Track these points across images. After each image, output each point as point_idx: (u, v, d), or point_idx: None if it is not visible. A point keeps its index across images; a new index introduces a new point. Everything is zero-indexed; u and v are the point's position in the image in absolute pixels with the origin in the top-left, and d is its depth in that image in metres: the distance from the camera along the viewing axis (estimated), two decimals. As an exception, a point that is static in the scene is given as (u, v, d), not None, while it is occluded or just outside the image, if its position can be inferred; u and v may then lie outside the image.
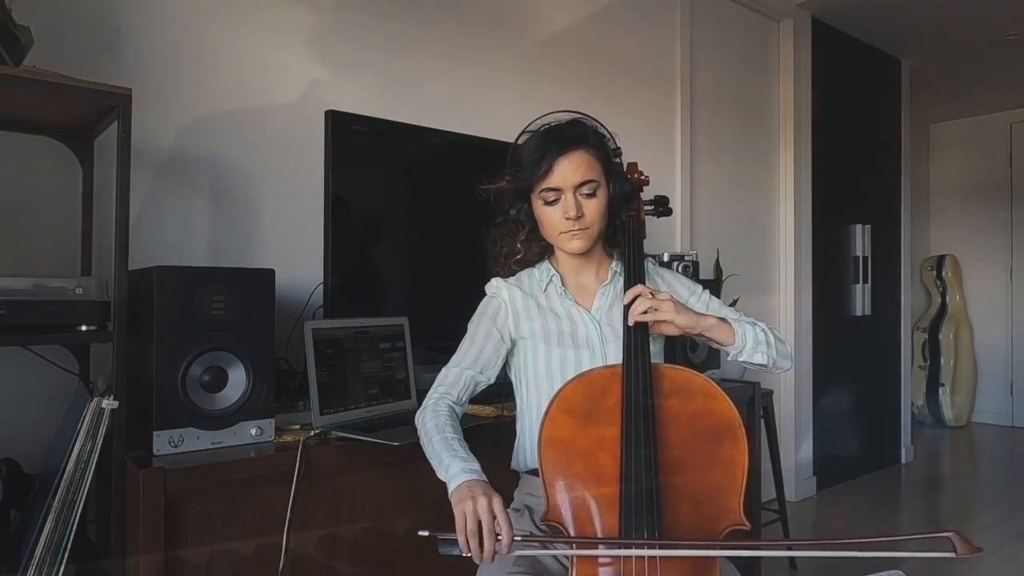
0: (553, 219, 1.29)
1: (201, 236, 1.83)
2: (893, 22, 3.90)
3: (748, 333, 1.27)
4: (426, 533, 1.04)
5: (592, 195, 1.28)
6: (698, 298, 1.40)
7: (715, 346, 1.32)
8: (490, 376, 1.35)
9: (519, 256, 1.40)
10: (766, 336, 1.28)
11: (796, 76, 3.69)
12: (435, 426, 1.22)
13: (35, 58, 1.38)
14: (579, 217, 1.27)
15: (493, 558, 1.02)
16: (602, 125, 1.35)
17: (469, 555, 1.02)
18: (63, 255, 1.63)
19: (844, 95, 4.08)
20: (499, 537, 1.02)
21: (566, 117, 1.33)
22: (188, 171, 1.82)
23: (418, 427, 1.27)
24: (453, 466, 1.12)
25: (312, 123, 1.93)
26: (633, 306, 1.19)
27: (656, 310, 1.19)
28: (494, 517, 1.03)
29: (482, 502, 1.03)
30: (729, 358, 1.32)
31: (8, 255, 1.56)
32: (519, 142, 1.35)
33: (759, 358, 1.28)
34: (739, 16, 3.51)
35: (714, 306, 1.39)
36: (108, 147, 1.43)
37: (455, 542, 1.03)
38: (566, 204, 1.27)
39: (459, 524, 1.03)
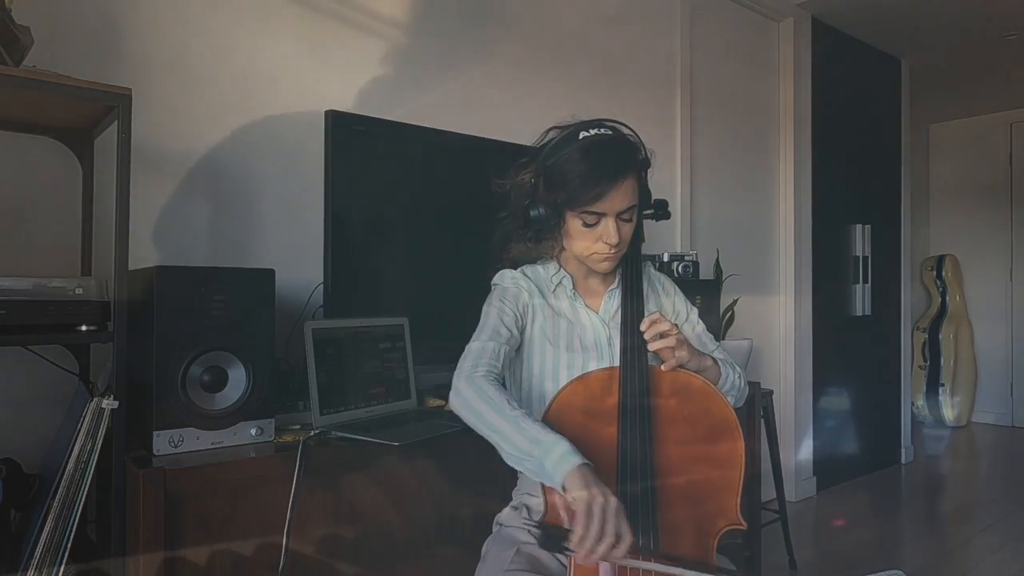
0: (588, 240, 1.26)
1: (201, 236, 1.83)
2: (893, 22, 3.90)
3: (729, 378, 1.33)
4: (534, 526, 0.97)
5: (629, 220, 1.26)
6: (692, 327, 1.42)
7: None
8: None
9: (531, 247, 1.36)
10: (740, 382, 1.36)
11: (796, 76, 3.69)
12: (506, 399, 1.09)
13: (35, 58, 1.38)
14: (617, 243, 1.25)
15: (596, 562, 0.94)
16: (637, 135, 1.31)
17: (571, 554, 0.92)
18: (63, 255, 1.62)
19: (844, 95, 4.07)
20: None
21: (608, 130, 1.27)
22: (188, 171, 1.82)
23: (466, 394, 1.12)
24: (561, 445, 1.01)
25: (312, 123, 1.93)
26: (657, 341, 1.18)
27: (673, 349, 1.19)
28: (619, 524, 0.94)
29: (613, 502, 0.94)
30: None
31: (8, 255, 1.56)
32: (550, 140, 1.29)
33: (728, 399, 1.34)
34: (739, 16, 3.51)
35: (699, 330, 1.42)
36: (108, 147, 1.43)
37: (565, 537, 0.92)
38: (607, 231, 1.23)
39: (584, 517, 0.93)
